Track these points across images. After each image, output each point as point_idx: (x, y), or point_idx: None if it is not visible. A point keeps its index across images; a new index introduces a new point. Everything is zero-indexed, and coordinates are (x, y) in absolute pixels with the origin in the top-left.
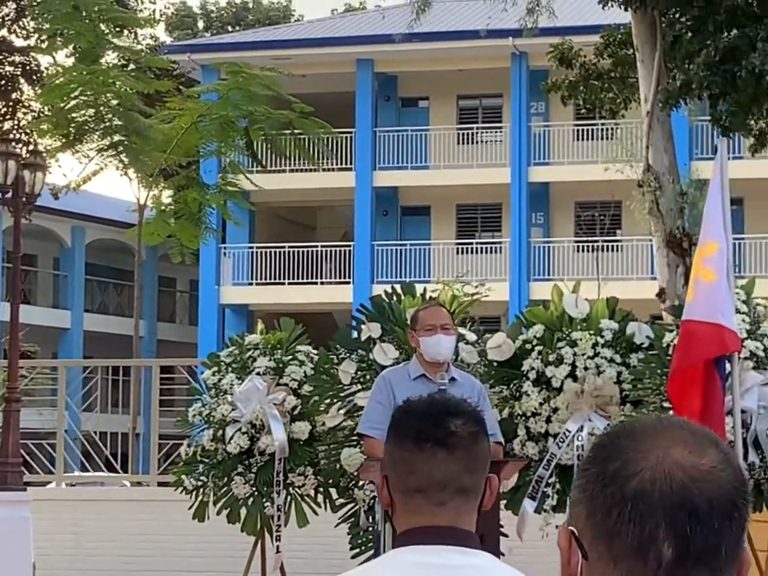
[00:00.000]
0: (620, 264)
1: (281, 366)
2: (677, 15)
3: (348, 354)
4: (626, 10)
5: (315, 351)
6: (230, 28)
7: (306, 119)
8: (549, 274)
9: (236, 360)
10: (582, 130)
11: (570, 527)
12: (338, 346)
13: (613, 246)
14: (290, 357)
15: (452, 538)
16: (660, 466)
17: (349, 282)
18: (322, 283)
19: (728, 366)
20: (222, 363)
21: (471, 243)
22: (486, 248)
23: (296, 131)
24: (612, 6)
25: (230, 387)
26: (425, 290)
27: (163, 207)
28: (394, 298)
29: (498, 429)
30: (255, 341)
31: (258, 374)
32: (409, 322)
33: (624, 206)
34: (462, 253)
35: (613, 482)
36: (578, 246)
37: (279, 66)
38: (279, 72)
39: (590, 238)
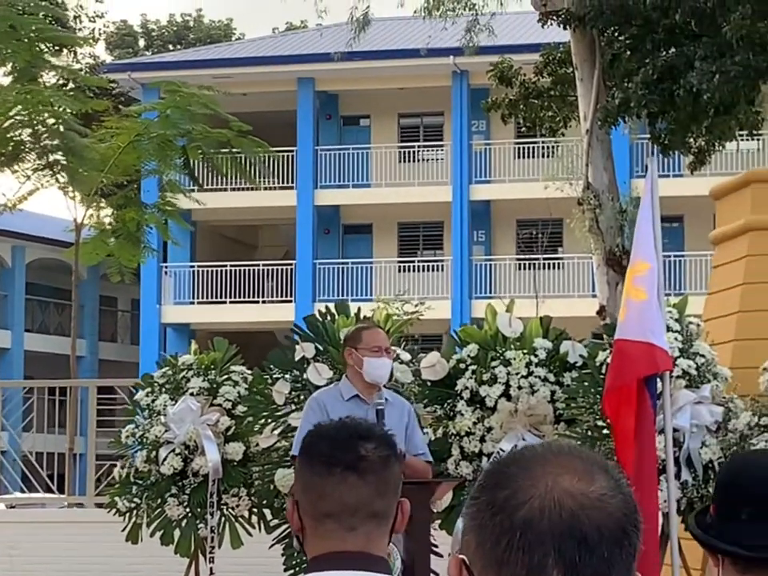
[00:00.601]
0: (561, 282)
1: (214, 386)
2: (615, 34)
3: (282, 374)
4: (564, 28)
5: (249, 371)
6: (171, 47)
7: (244, 138)
8: (490, 292)
9: (169, 381)
10: (523, 148)
11: (460, 555)
12: (271, 366)
13: (554, 264)
14: (224, 377)
15: (363, 563)
16: (549, 494)
17: (291, 301)
18: (263, 302)
19: (660, 384)
20: (156, 384)
21: (413, 261)
22: (428, 266)
23: (234, 150)
24: (551, 24)
25: (164, 408)
26: (359, 309)
27: (101, 227)
28: (328, 317)
29: (427, 449)
30: (189, 361)
31: (192, 394)
32: (346, 339)
33: (565, 223)
34: (404, 271)
35: (502, 511)
36: (520, 264)
37: (220, 84)
38: (217, 91)
39: (531, 256)
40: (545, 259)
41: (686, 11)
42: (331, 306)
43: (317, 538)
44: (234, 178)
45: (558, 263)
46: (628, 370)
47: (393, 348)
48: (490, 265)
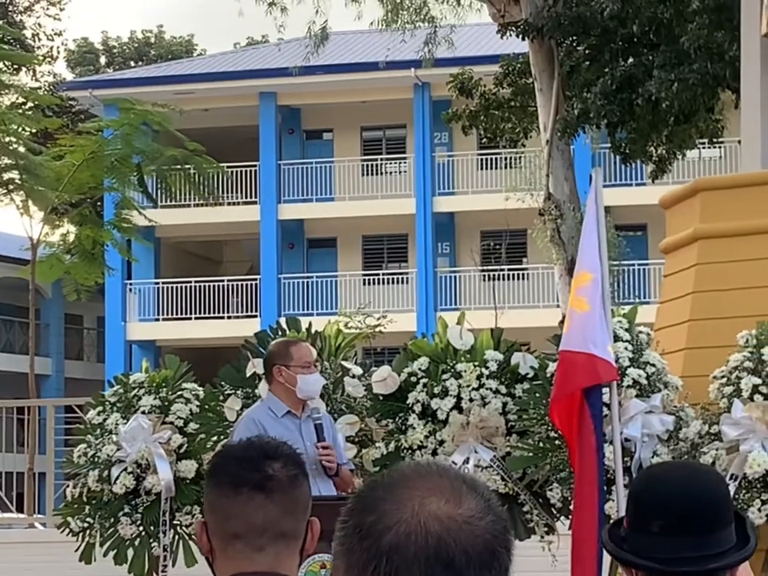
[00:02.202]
0: (526, 292)
1: (166, 404)
2: (574, 44)
3: (233, 391)
4: (523, 39)
5: (201, 388)
6: (132, 63)
7: (198, 156)
8: (455, 304)
9: (121, 399)
10: (486, 160)
11: None
12: (223, 383)
13: (518, 275)
14: (176, 395)
15: None
16: (415, 518)
17: (256, 316)
18: (228, 317)
19: (607, 395)
20: (107, 403)
21: (378, 274)
22: (393, 279)
23: (187, 167)
24: (510, 35)
25: (115, 427)
26: (310, 324)
27: (55, 245)
28: (279, 333)
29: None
30: (140, 379)
31: (143, 412)
32: (272, 356)
33: (529, 234)
34: (369, 284)
35: (369, 536)
36: (484, 275)
37: (182, 100)
38: (172, 108)
39: (495, 267)
40: (509, 270)
41: (643, 21)
42: (276, 323)
43: (225, 559)
44: (189, 195)
45: (523, 274)
46: (571, 380)
47: (344, 363)
48: (455, 276)
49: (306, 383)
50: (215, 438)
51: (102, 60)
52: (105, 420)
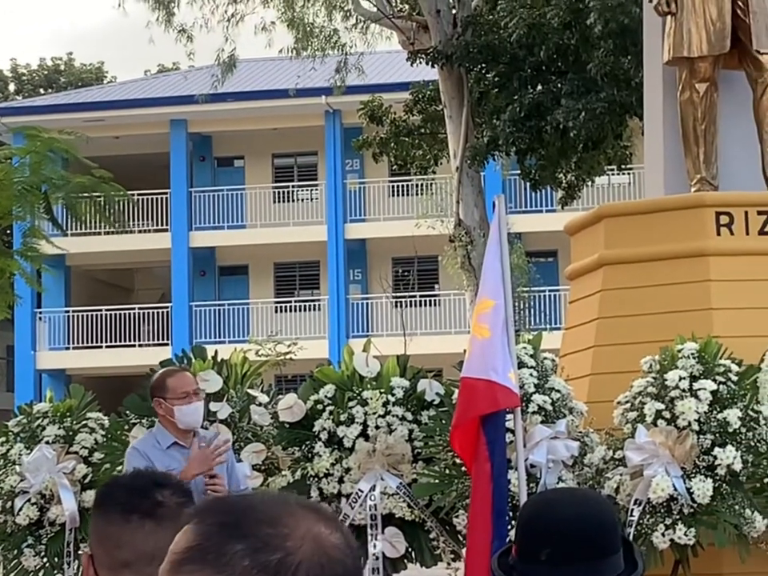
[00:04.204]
0: (438, 318)
1: (71, 433)
2: (483, 72)
3: (138, 420)
4: (432, 66)
5: (107, 418)
6: (42, 90)
7: (107, 184)
8: (367, 331)
9: (24, 429)
10: (397, 186)
11: None
12: (128, 412)
13: (430, 301)
14: (81, 424)
15: None
16: (310, 552)
17: (167, 344)
18: (140, 345)
19: (512, 421)
20: (10, 433)
21: (289, 301)
22: (305, 306)
23: (96, 194)
24: (420, 62)
25: (18, 457)
26: (216, 352)
27: None
28: (185, 361)
29: (248, 483)
30: (44, 409)
31: (47, 442)
32: (152, 389)
33: (440, 260)
34: (281, 311)
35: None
36: (396, 302)
37: (92, 128)
38: (79, 136)
39: (406, 294)
40: (421, 296)
41: (550, 48)
42: (185, 350)
43: None
44: (98, 223)
45: (434, 300)
46: (471, 407)
47: (251, 391)
48: (367, 303)
49: (183, 414)
50: (120, 468)
51: (11, 87)
52: (8, 450)
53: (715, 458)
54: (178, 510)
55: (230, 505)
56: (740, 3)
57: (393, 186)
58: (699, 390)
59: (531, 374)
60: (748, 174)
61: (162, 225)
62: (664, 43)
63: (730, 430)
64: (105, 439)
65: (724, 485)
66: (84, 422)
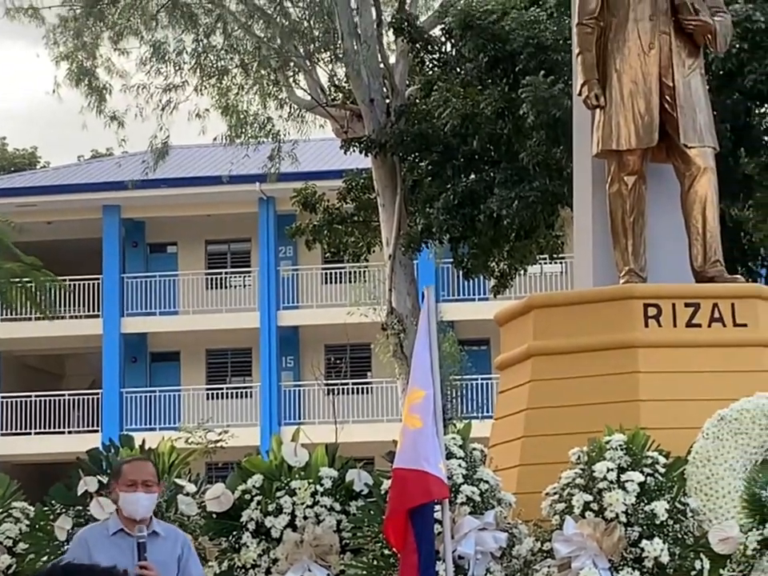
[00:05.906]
0: (370, 406)
1: None
2: (417, 160)
3: (64, 510)
4: (366, 155)
5: (32, 507)
6: None
7: (37, 270)
8: (300, 418)
9: None
10: (330, 274)
11: None
12: (54, 501)
13: (362, 389)
14: (5, 513)
15: None
16: None
17: (97, 431)
18: (69, 432)
19: (440, 512)
20: None
21: (221, 388)
22: (237, 393)
23: (26, 280)
24: (353, 150)
25: None
26: (143, 441)
27: None
28: (112, 450)
29: None
30: None
31: None
32: (111, 474)
33: (373, 348)
34: (212, 398)
35: None
36: (328, 390)
37: (24, 213)
38: (9, 222)
39: (339, 381)
40: (353, 384)
41: (483, 137)
42: (116, 437)
43: None
44: (29, 309)
45: (367, 388)
46: (404, 498)
47: (178, 480)
48: (299, 390)
49: (124, 502)
50: (45, 558)
51: None
52: None
53: (642, 550)
54: None
55: None
56: (668, 98)
57: (326, 274)
58: (627, 481)
59: (460, 465)
60: (676, 265)
61: (93, 310)
62: (593, 136)
63: (658, 522)
64: (29, 529)
65: None
66: (8, 512)
